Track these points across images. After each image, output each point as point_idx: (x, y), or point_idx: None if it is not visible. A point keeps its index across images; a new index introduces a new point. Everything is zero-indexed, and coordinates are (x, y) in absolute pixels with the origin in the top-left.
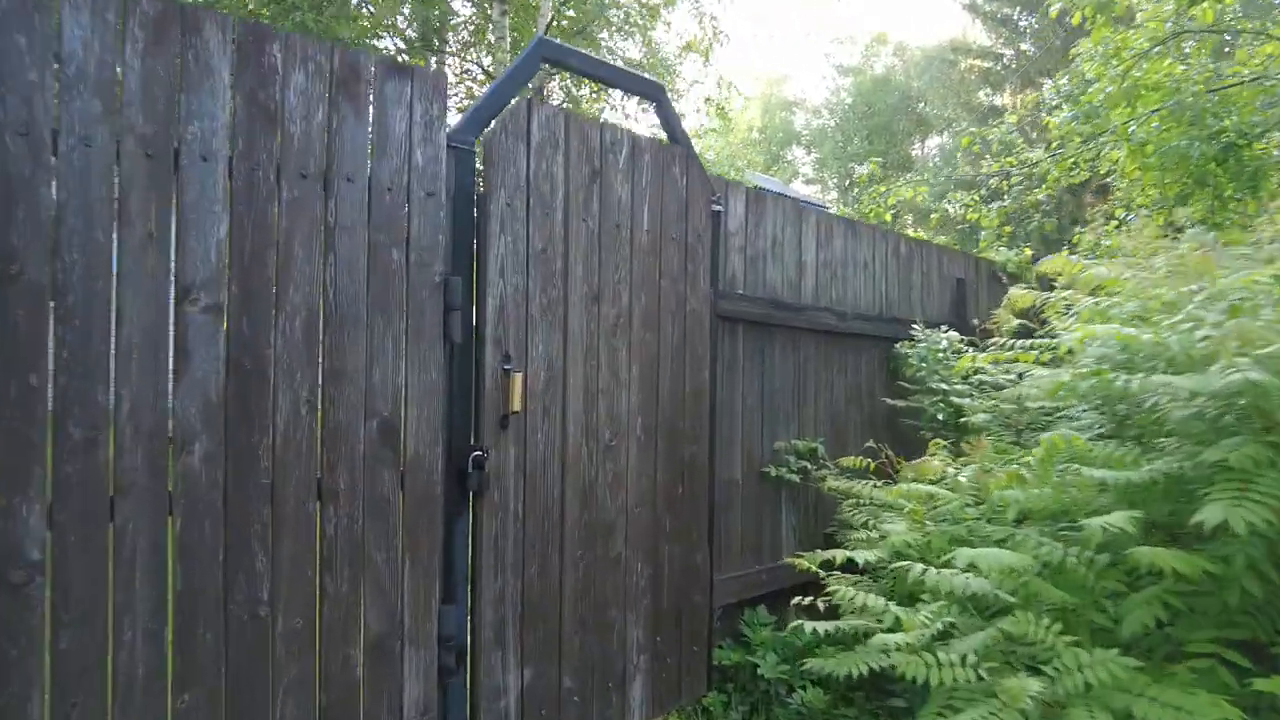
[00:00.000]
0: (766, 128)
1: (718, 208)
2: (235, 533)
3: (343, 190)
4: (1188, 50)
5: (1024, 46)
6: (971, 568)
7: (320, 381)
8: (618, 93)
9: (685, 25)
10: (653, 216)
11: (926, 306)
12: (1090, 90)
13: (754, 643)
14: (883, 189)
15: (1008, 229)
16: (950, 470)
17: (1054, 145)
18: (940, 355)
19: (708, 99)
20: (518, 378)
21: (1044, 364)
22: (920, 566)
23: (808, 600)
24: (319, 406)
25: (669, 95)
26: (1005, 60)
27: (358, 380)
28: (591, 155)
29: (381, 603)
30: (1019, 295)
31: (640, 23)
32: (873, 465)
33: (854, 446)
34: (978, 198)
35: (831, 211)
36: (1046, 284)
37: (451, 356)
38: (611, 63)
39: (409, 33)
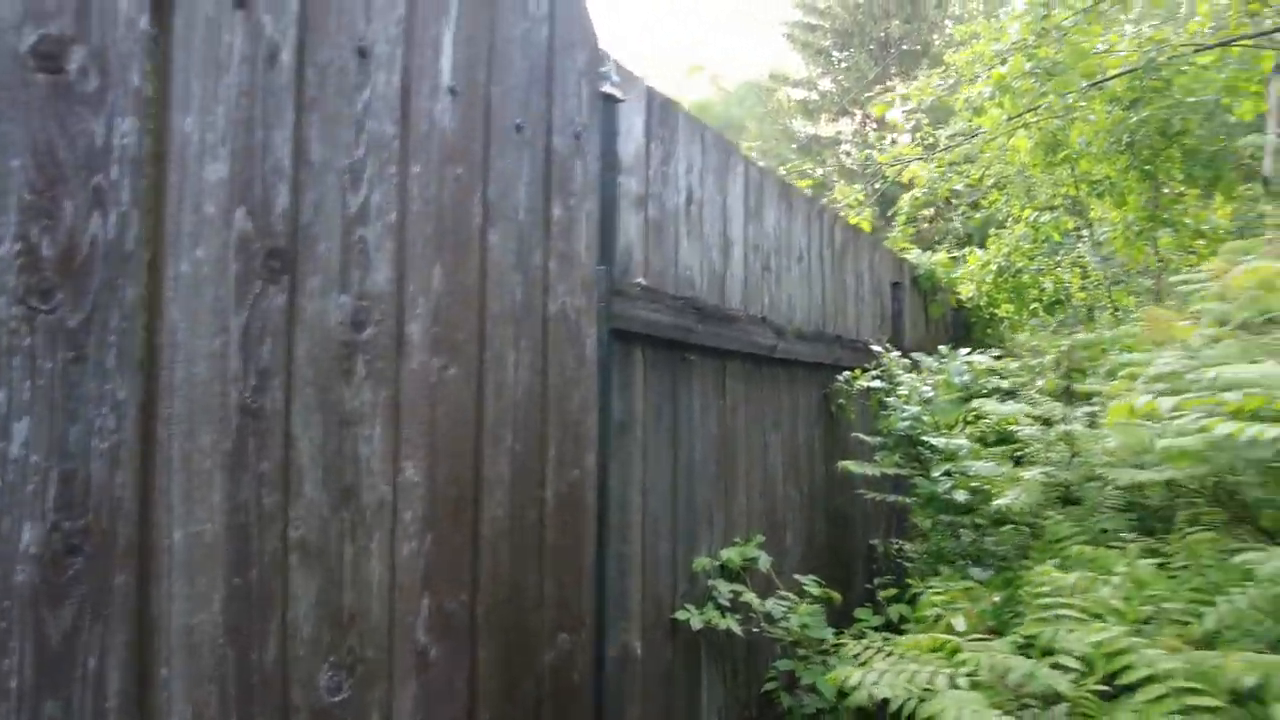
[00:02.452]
0: None
1: (613, 90)
2: None
3: None
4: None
5: (840, 79)
6: None
7: None
8: None
9: None
10: (467, 59)
11: (862, 320)
12: (1036, 51)
13: None
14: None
15: (910, 229)
16: None
17: (970, 123)
18: (953, 392)
19: None
20: None
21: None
22: None
23: None
24: None
25: None
26: (821, 90)
27: None
28: None
29: None
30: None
31: None
32: (834, 596)
33: (794, 549)
34: (860, 197)
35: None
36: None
37: None
38: None
39: None
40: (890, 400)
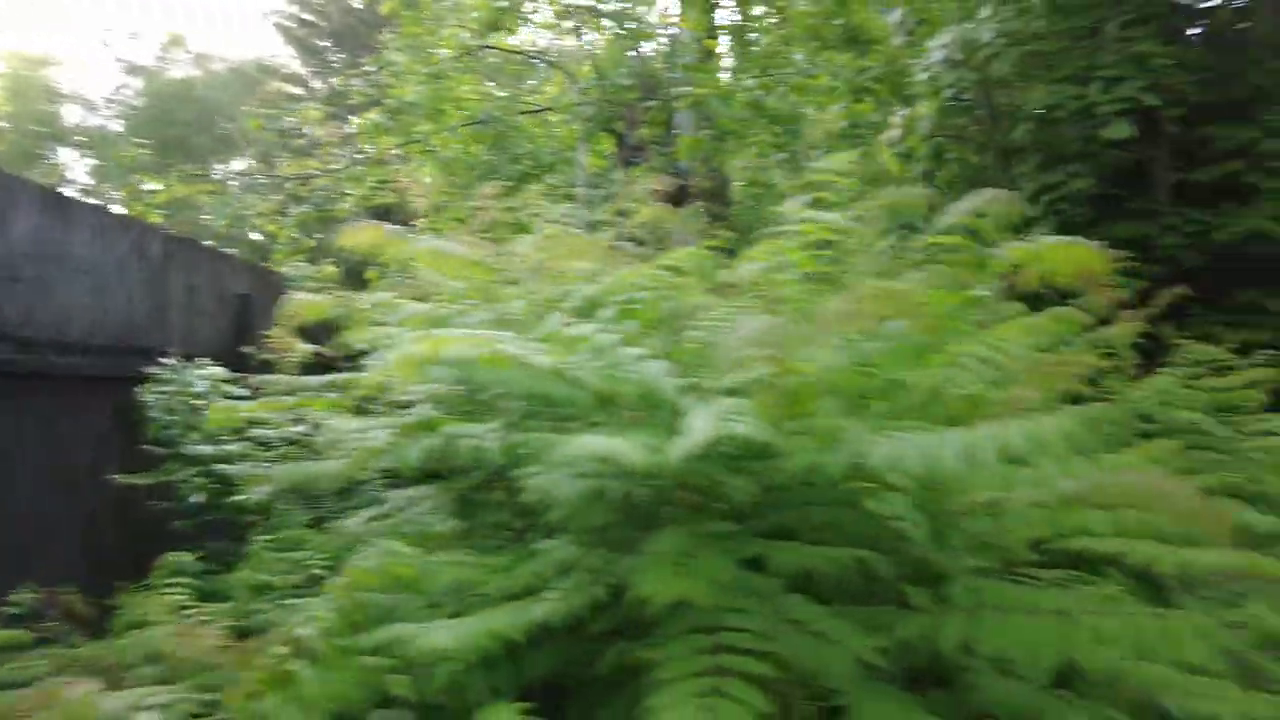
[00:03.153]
0: (18, 116)
1: None
2: None
3: None
4: (492, 80)
5: (333, 81)
6: None
7: None
8: None
9: None
10: None
11: (197, 332)
12: (397, 89)
13: None
14: (153, 181)
15: (309, 243)
16: None
17: (365, 148)
18: (196, 402)
19: None
20: None
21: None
22: None
23: None
24: None
25: None
26: (314, 90)
27: None
28: None
29: None
30: (308, 304)
31: None
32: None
33: (67, 566)
34: (276, 206)
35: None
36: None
37: None
38: None
39: None
40: (152, 413)
